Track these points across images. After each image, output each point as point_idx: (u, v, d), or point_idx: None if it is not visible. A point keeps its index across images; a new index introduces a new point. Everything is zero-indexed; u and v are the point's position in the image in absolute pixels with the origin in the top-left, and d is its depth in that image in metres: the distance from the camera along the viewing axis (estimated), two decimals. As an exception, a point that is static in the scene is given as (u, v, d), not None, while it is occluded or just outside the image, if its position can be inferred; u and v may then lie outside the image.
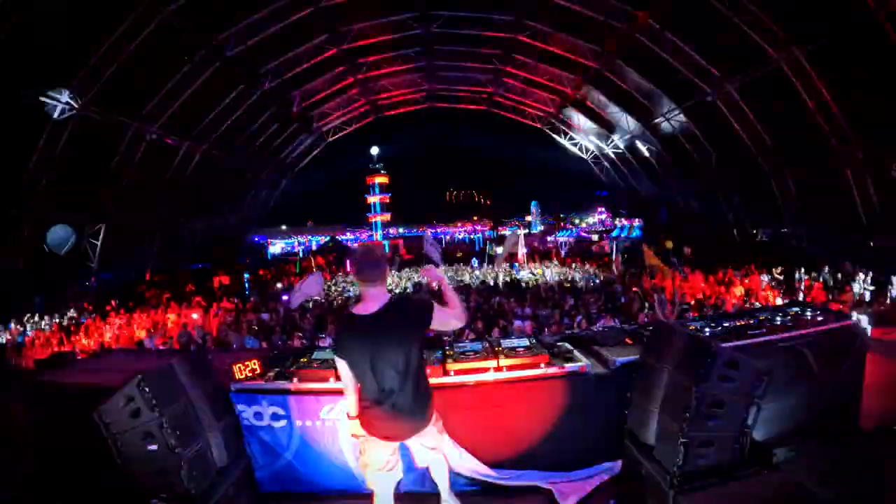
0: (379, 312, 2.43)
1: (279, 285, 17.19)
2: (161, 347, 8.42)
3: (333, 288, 14.95)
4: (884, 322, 6.06)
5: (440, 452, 2.78)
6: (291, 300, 9.26)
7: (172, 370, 2.99)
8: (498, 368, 3.41)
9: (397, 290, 14.10)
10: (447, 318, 2.57)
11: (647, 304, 9.10)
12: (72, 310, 12.72)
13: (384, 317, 2.42)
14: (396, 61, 18.31)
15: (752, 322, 3.44)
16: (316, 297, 11.11)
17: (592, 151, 23.98)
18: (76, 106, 11.29)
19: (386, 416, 2.49)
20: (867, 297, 9.26)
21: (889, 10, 8.60)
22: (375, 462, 2.60)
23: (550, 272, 16.19)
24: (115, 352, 4.27)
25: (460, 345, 3.87)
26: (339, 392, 3.37)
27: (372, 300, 2.46)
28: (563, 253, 24.39)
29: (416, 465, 2.82)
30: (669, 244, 16.74)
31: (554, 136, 24.10)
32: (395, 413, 2.48)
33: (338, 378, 3.41)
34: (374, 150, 33.11)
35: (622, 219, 30.76)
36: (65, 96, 10.98)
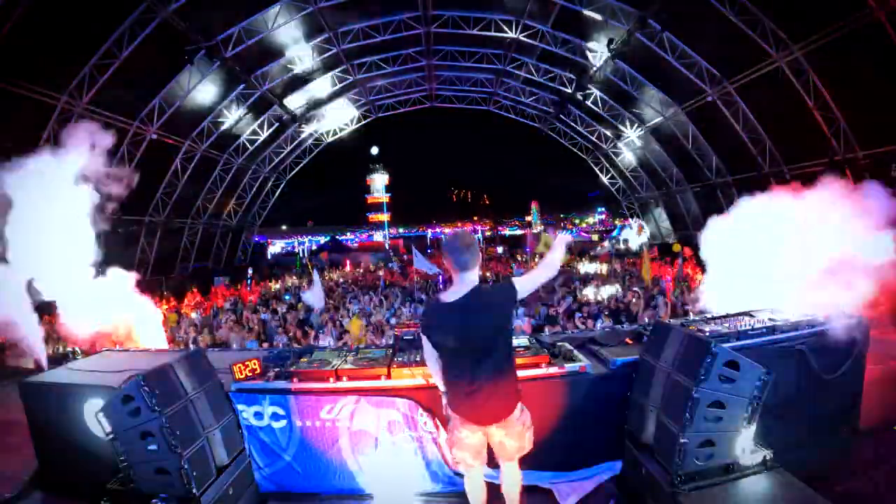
0: (464, 299, 2.48)
1: (278, 286, 17.20)
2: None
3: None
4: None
5: (516, 458, 2.72)
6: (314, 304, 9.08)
7: (172, 370, 2.99)
8: (498, 368, 3.41)
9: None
10: (533, 278, 2.61)
11: (647, 304, 9.11)
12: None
13: (469, 303, 2.47)
14: (396, 61, 18.32)
15: (752, 322, 3.44)
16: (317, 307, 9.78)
17: (593, 152, 23.99)
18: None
19: (468, 397, 2.54)
20: None
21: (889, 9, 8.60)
22: (465, 449, 2.66)
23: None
24: (114, 351, 4.27)
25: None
26: (339, 392, 3.38)
27: (460, 286, 2.52)
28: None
29: (496, 458, 2.79)
30: (677, 247, 16.77)
31: (554, 136, 24.10)
32: (478, 395, 2.51)
33: (338, 378, 3.42)
34: (375, 150, 33.18)
35: (622, 219, 30.78)
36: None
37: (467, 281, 2.51)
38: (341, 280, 18.50)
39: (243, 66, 14.53)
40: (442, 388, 2.73)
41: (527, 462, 3.33)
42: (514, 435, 2.62)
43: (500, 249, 26.47)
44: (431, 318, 2.61)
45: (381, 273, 17.88)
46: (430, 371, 2.79)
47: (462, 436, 2.66)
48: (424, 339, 2.67)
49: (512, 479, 2.79)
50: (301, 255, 30.07)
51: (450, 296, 2.53)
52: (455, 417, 2.67)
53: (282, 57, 15.46)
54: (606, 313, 8.79)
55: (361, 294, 13.40)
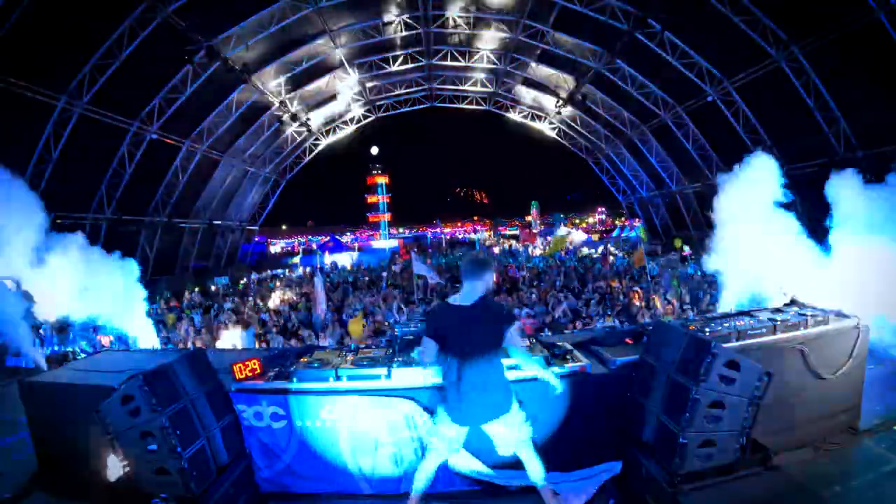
0: (473, 305, 2.82)
1: (278, 284, 17.21)
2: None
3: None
4: None
5: (526, 440, 2.97)
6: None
7: (172, 370, 2.99)
8: (498, 368, 3.41)
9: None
10: (517, 343, 2.91)
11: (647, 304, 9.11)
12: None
13: (476, 309, 2.81)
14: (396, 61, 18.31)
15: (752, 322, 3.44)
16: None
17: (593, 151, 23.99)
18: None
19: (460, 395, 2.80)
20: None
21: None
22: (439, 435, 2.96)
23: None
24: (114, 351, 4.27)
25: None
26: (339, 392, 3.38)
27: (468, 294, 2.86)
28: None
29: (499, 452, 3.04)
30: (678, 243, 16.77)
31: (554, 136, 24.11)
32: (470, 395, 2.79)
33: (338, 378, 3.42)
34: (375, 150, 33.10)
35: (622, 219, 30.77)
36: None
37: (471, 291, 2.85)
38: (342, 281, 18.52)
39: (243, 66, 14.53)
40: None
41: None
42: (515, 427, 2.91)
43: (496, 250, 26.33)
44: (440, 318, 2.88)
45: (383, 274, 17.90)
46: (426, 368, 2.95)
47: (445, 435, 2.94)
48: (428, 342, 2.83)
49: (536, 471, 2.97)
50: (301, 254, 30.06)
51: (459, 300, 2.87)
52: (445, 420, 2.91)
53: (282, 57, 15.44)
54: (610, 313, 8.79)
55: (363, 295, 13.42)
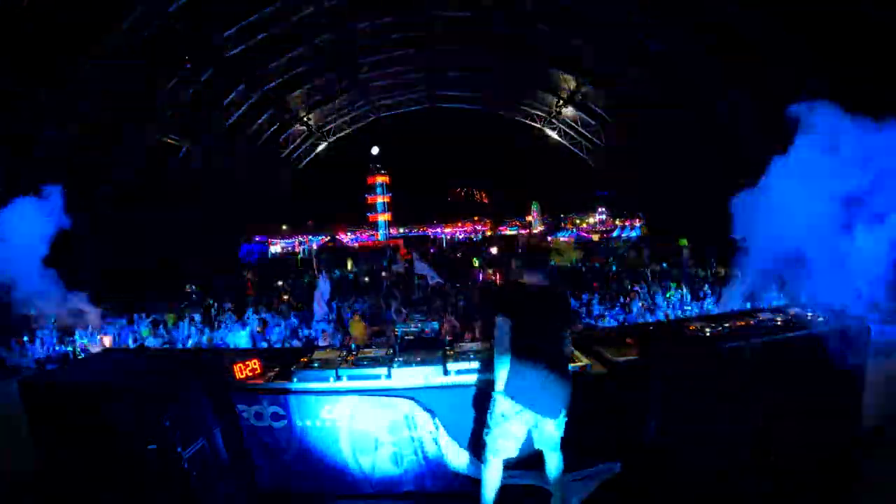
0: (545, 288, 2.82)
1: (280, 283, 17.21)
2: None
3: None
4: None
5: (559, 448, 2.85)
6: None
7: (173, 370, 2.99)
8: (499, 368, 3.40)
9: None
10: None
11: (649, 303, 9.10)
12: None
13: (548, 292, 2.82)
14: (397, 61, 18.32)
15: (753, 322, 3.43)
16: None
17: (593, 151, 23.98)
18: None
19: (535, 381, 2.68)
20: None
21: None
22: (505, 435, 2.78)
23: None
24: (115, 351, 4.27)
25: (460, 344, 3.87)
26: (339, 392, 3.38)
27: (538, 280, 2.83)
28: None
29: (533, 447, 2.92)
30: (684, 242, 16.73)
31: (555, 135, 24.11)
32: (545, 381, 2.68)
33: (338, 378, 3.41)
34: (375, 150, 32.98)
35: (623, 219, 30.75)
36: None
37: (541, 278, 2.83)
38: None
39: (243, 67, 14.55)
40: (502, 385, 2.75)
41: (527, 462, 3.34)
42: (557, 429, 2.81)
43: (494, 250, 26.23)
44: (517, 296, 2.82)
45: (384, 274, 17.88)
46: (498, 368, 2.77)
47: (508, 433, 2.78)
48: (503, 320, 2.69)
49: (559, 467, 2.90)
50: (301, 254, 30.04)
51: (531, 283, 2.81)
52: (513, 413, 2.73)
53: (282, 57, 15.46)
54: (609, 314, 8.78)
55: (363, 294, 13.40)
